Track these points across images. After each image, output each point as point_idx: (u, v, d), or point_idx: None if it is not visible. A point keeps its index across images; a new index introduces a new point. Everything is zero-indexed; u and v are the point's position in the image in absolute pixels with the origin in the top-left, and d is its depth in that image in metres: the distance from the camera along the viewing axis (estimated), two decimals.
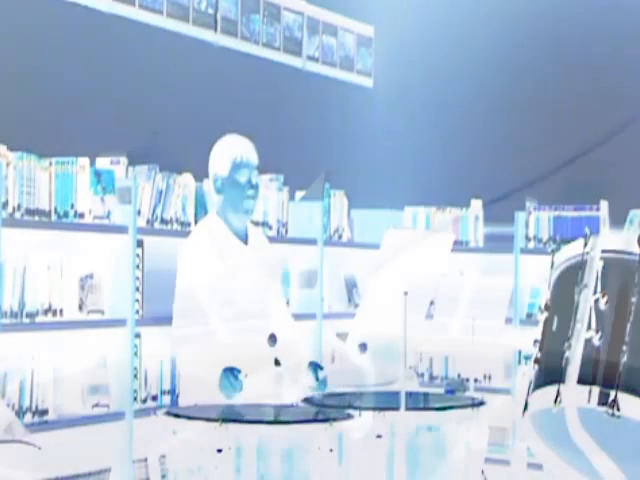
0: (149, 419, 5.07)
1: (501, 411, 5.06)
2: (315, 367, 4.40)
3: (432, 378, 7.06)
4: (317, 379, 4.32)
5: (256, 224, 5.92)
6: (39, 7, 5.31)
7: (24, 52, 5.24)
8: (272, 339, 4.07)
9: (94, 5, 5.59)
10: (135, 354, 5.18)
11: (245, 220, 4.45)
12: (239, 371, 4.00)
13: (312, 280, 6.39)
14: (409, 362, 6.48)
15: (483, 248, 7.04)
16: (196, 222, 5.54)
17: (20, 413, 4.63)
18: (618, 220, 6.54)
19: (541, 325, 3.15)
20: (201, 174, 5.58)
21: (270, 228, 6.09)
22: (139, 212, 5.25)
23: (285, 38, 7.04)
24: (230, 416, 3.59)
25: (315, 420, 3.69)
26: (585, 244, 3.09)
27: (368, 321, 4.07)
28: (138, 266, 5.24)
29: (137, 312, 5.20)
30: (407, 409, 3.76)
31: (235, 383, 3.99)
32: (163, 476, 5.25)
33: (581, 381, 2.94)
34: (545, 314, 3.15)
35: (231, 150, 4.48)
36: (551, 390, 2.96)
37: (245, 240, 4.41)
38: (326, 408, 3.92)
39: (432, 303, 4.66)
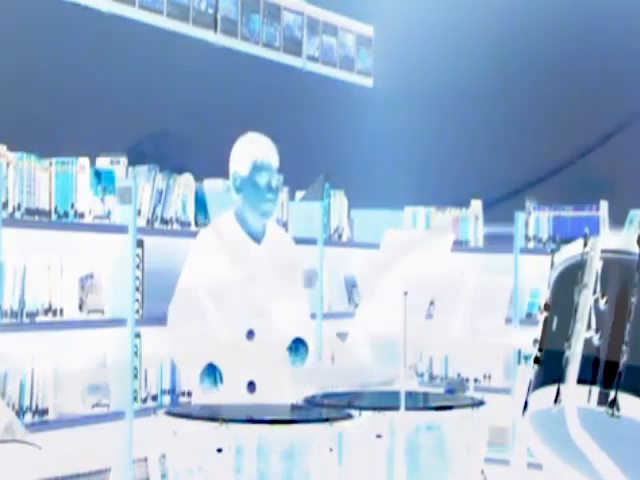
0: (149, 419, 5.07)
1: (501, 411, 5.05)
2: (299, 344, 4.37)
3: (432, 378, 7.06)
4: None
5: None
6: (39, 7, 5.31)
7: (24, 52, 5.24)
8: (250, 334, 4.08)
9: (94, 5, 5.59)
10: (135, 354, 5.18)
11: (262, 221, 4.41)
12: (221, 377, 3.99)
13: (312, 280, 6.39)
14: (409, 362, 6.49)
15: (483, 248, 7.05)
16: (196, 222, 5.55)
17: (20, 413, 4.63)
18: (618, 220, 6.54)
19: (541, 325, 3.15)
20: (201, 174, 5.58)
21: None
22: (139, 212, 5.26)
23: (285, 38, 7.04)
24: (230, 416, 3.59)
25: (315, 420, 3.69)
26: (585, 244, 3.09)
27: (368, 321, 4.07)
28: (138, 266, 5.24)
29: (137, 312, 5.20)
30: (407, 409, 3.76)
31: (214, 385, 3.99)
32: (163, 476, 5.25)
33: (581, 381, 2.94)
34: (545, 314, 3.15)
35: (252, 150, 4.43)
36: (551, 390, 2.96)
37: (259, 240, 4.37)
38: (326, 408, 3.92)
39: (432, 303, 4.66)
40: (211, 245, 4.32)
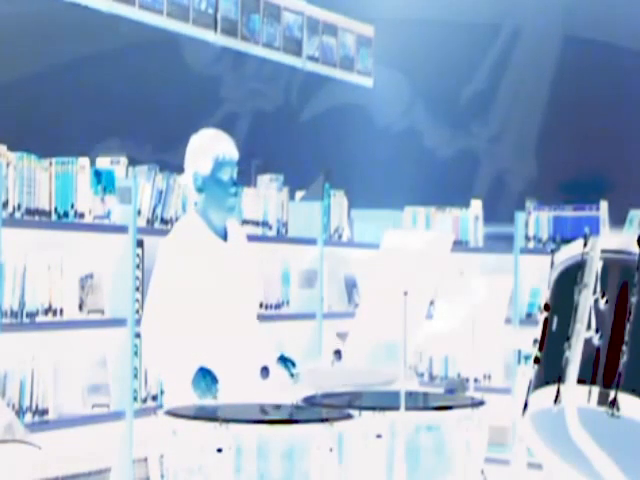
0: (149, 419, 5.07)
1: (501, 411, 5.05)
2: (286, 361, 4.30)
3: (432, 378, 7.06)
4: (291, 375, 4.24)
5: (256, 224, 5.93)
6: (39, 7, 5.31)
7: (24, 52, 5.24)
8: (337, 354, 4.02)
9: (94, 5, 5.59)
10: (135, 354, 5.18)
11: (226, 218, 4.33)
12: (216, 380, 3.91)
13: (312, 280, 6.39)
14: (409, 362, 6.49)
15: (483, 248, 7.05)
16: None
17: (20, 413, 4.63)
18: (618, 220, 6.55)
19: (541, 325, 3.15)
20: None
21: (270, 228, 6.09)
22: (139, 212, 5.26)
23: (285, 38, 7.04)
24: (230, 416, 3.59)
25: (315, 420, 3.69)
26: (585, 244, 3.09)
27: (368, 321, 4.06)
28: (138, 266, 5.24)
29: (137, 312, 5.20)
30: (407, 409, 3.75)
31: (210, 389, 3.90)
32: (163, 476, 5.25)
33: (581, 381, 2.94)
34: (545, 314, 3.15)
35: (212, 147, 4.29)
36: (551, 390, 2.96)
37: (224, 238, 4.31)
38: (326, 408, 3.91)
39: (432, 303, 4.65)
40: (184, 243, 4.21)
